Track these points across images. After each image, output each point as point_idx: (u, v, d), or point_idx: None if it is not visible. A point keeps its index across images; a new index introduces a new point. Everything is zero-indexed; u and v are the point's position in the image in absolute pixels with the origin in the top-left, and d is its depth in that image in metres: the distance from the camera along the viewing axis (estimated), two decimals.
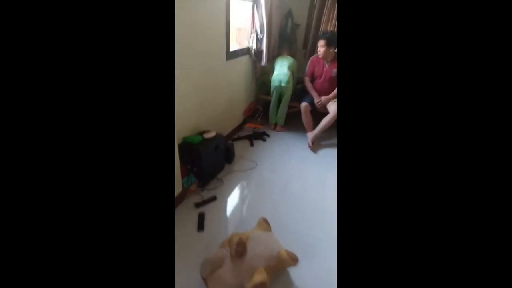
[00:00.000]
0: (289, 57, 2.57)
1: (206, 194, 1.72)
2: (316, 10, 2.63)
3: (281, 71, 2.45)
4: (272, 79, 2.51)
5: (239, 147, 2.31)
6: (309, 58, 2.78)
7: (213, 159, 1.84)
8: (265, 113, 2.77)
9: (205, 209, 1.59)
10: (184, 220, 1.50)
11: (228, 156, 2.05)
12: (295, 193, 1.81)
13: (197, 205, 1.60)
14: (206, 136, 1.77)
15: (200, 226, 1.45)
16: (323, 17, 2.62)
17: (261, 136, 2.56)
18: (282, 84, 2.46)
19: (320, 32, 2.65)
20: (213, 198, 1.66)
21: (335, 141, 2.56)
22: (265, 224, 1.35)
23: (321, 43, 2.27)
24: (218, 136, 1.83)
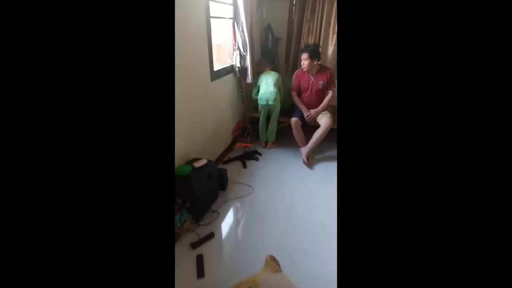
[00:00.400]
0: (273, 72, 2.49)
1: (201, 231, 1.54)
2: (295, 23, 2.61)
3: (267, 89, 2.37)
4: (259, 98, 2.42)
5: (232, 170, 2.16)
6: (293, 72, 2.75)
7: (207, 190, 1.69)
8: (254, 131, 2.66)
9: (203, 249, 1.42)
10: (181, 265, 1.32)
11: (221, 183, 1.90)
12: (299, 218, 1.68)
13: (194, 245, 1.43)
14: (197, 165, 1.62)
15: (200, 272, 1.27)
16: (303, 30, 2.60)
17: (253, 155, 2.43)
18: (270, 102, 2.38)
19: (302, 45, 2.62)
20: (211, 236, 1.49)
21: (329, 154, 2.49)
22: (273, 264, 1.21)
23: (304, 56, 2.23)
24: (209, 164, 1.68)
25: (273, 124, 2.51)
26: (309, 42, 2.60)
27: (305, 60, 2.23)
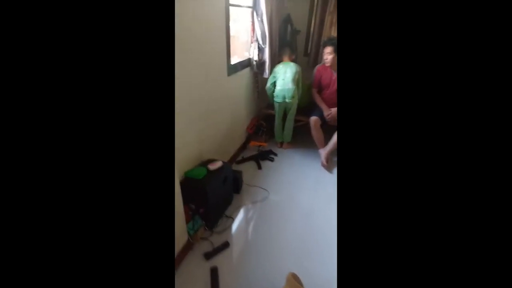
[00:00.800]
0: (292, 63, 2.22)
1: (215, 239, 1.43)
2: (317, 15, 2.42)
3: (285, 85, 2.18)
4: (275, 94, 2.25)
5: (246, 171, 2.04)
6: (313, 66, 2.57)
7: (222, 195, 1.57)
8: (269, 128, 2.52)
9: (217, 260, 1.31)
10: (193, 278, 1.22)
11: (236, 186, 1.78)
12: (320, 227, 1.55)
13: (207, 256, 1.32)
14: (212, 167, 1.50)
15: (215, 287, 1.17)
16: (325, 22, 2.41)
17: (267, 155, 2.30)
18: (287, 100, 2.21)
19: (323, 38, 2.44)
20: (226, 245, 1.38)
21: None
22: (296, 283, 1.09)
23: (328, 50, 2.05)
24: (225, 166, 1.56)
25: (289, 124, 2.35)
26: (331, 34, 2.41)
27: (329, 55, 2.05)
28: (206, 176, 1.43)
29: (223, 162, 1.58)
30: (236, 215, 1.63)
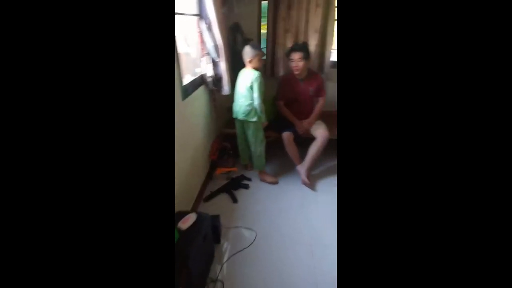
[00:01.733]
0: (250, 70, 1.72)
1: None
2: (270, 23, 2.23)
3: (238, 97, 1.78)
4: (233, 109, 1.89)
5: (219, 209, 1.69)
6: (270, 76, 2.38)
7: (203, 258, 1.20)
8: (234, 149, 2.21)
9: None
10: None
11: (217, 236, 1.42)
12: (327, 265, 1.31)
13: None
14: (183, 226, 1.12)
15: None
16: (277, 29, 2.24)
17: (240, 183, 1.99)
18: (240, 117, 1.81)
19: (277, 46, 2.27)
20: None
21: (325, 167, 2.19)
22: None
23: (297, 56, 1.84)
24: (200, 218, 1.19)
25: (256, 148, 1.90)
26: (286, 41, 2.26)
27: (299, 61, 1.85)
28: (180, 242, 1.05)
29: (196, 213, 1.21)
30: (223, 274, 1.27)
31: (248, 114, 1.77)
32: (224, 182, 1.99)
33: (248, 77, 1.71)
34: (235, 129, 2.02)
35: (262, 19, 2.29)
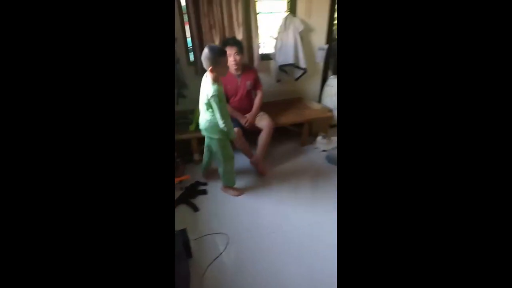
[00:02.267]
0: (212, 83, 1.36)
1: None
2: (192, 20, 2.14)
3: (201, 110, 1.53)
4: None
5: (182, 221, 1.61)
6: (202, 75, 2.31)
7: (182, 280, 1.12)
8: (182, 154, 2.10)
9: None
10: None
11: (188, 251, 1.34)
12: (307, 260, 1.42)
13: None
14: None
15: None
16: (202, 25, 2.17)
17: (197, 190, 1.91)
18: (202, 132, 1.61)
19: (204, 42, 2.20)
20: None
21: (274, 155, 2.31)
22: None
23: (232, 50, 1.80)
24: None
25: (222, 165, 1.69)
26: (213, 38, 2.22)
27: (236, 56, 1.83)
28: None
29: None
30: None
31: (210, 130, 1.53)
32: (180, 192, 1.88)
33: (206, 90, 1.40)
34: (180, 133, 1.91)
35: (184, 16, 2.17)
